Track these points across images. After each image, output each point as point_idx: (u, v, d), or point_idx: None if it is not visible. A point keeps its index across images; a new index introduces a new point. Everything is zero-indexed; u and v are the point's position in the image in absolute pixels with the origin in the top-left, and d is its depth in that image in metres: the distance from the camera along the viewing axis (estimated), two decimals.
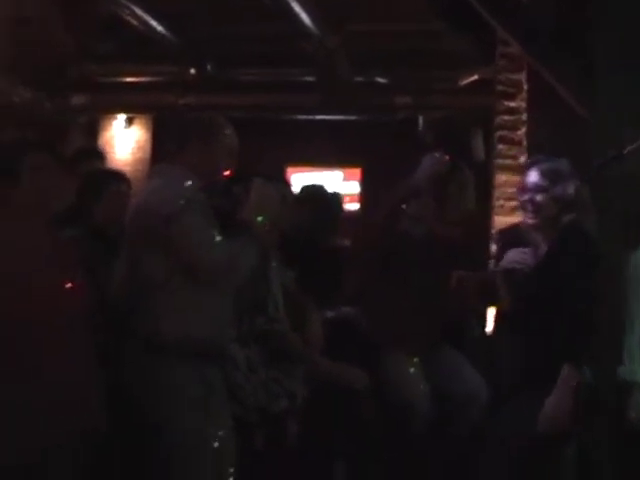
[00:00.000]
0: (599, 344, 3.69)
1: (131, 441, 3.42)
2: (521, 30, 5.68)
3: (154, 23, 8.80)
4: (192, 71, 9.68)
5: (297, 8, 8.04)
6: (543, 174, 3.92)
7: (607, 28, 4.92)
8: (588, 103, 5.21)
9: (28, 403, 2.92)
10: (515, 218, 5.60)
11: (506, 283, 4.01)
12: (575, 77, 5.45)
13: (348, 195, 10.29)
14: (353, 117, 9.92)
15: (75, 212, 4.00)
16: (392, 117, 9.68)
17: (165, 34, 9.08)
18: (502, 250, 4.75)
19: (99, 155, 5.30)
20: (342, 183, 10.87)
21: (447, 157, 4.60)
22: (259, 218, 3.40)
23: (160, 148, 3.70)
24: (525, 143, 6.71)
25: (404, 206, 4.56)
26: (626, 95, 4.78)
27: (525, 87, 6.69)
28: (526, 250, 3.98)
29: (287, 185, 4.51)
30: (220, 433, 3.34)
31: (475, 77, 8.99)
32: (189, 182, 3.38)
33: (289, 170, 10.32)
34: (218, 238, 3.31)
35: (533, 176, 3.93)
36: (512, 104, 6.83)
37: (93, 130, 10.35)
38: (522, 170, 4.51)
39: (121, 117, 10.48)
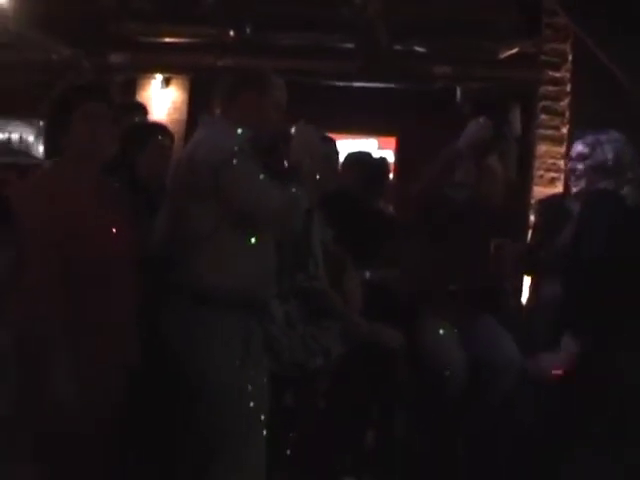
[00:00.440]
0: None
1: (167, 391, 3.43)
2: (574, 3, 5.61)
3: None
4: (231, 33, 9.64)
5: None
6: (585, 143, 3.98)
7: None
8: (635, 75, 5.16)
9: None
10: (555, 189, 5.59)
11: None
12: (623, 50, 5.39)
13: None
14: (391, 85, 9.86)
15: (118, 163, 4.00)
16: (430, 87, 9.61)
17: None
18: (542, 220, 4.75)
19: (141, 109, 5.26)
20: (377, 151, 10.83)
21: (491, 123, 4.56)
22: (306, 163, 3.38)
23: (206, 103, 3.68)
24: (568, 114, 6.67)
25: (447, 170, 4.54)
26: None
27: (570, 58, 6.63)
28: None
29: (332, 144, 4.48)
30: (257, 384, 3.34)
31: (515, 50, 8.89)
32: (238, 131, 3.37)
33: None
34: (270, 183, 3.29)
35: (577, 146, 4.01)
36: (557, 74, 6.78)
37: (130, 90, 10.32)
38: (563, 141, 4.53)
39: (158, 77, 10.46)
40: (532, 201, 6.77)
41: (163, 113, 10.33)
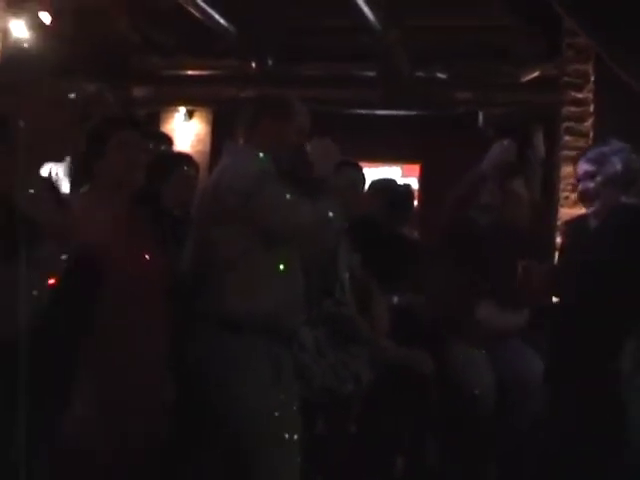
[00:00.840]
0: None
1: (196, 421, 3.43)
2: (592, 21, 5.62)
3: (216, 16, 8.84)
4: (253, 65, 9.72)
5: (359, 1, 8.03)
6: (589, 160, 3.90)
7: None
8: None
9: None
10: (581, 210, 5.55)
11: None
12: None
13: None
14: (413, 112, 9.89)
15: (143, 192, 4.02)
16: (452, 113, 9.63)
17: (227, 27, 9.11)
18: (568, 242, 4.72)
19: (166, 139, 5.30)
20: (400, 179, 10.83)
21: (515, 145, 4.56)
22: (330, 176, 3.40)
23: (229, 135, 3.70)
24: (592, 134, 6.65)
25: (472, 193, 4.53)
26: None
27: (592, 78, 6.63)
28: None
29: (358, 170, 4.49)
30: (288, 409, 3.32)
31: (536, 74, 8.90)
32: (260, 155, 3.40)
33: None
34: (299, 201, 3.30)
35: (582, 165, 3.92)
36: (579, 95, 6.77)
37: (154, 123, 10.40)
38: None
39: (182, 110, 10.55)
40: (558, 223, 6.75)
41: (187, 145, 10.41)
